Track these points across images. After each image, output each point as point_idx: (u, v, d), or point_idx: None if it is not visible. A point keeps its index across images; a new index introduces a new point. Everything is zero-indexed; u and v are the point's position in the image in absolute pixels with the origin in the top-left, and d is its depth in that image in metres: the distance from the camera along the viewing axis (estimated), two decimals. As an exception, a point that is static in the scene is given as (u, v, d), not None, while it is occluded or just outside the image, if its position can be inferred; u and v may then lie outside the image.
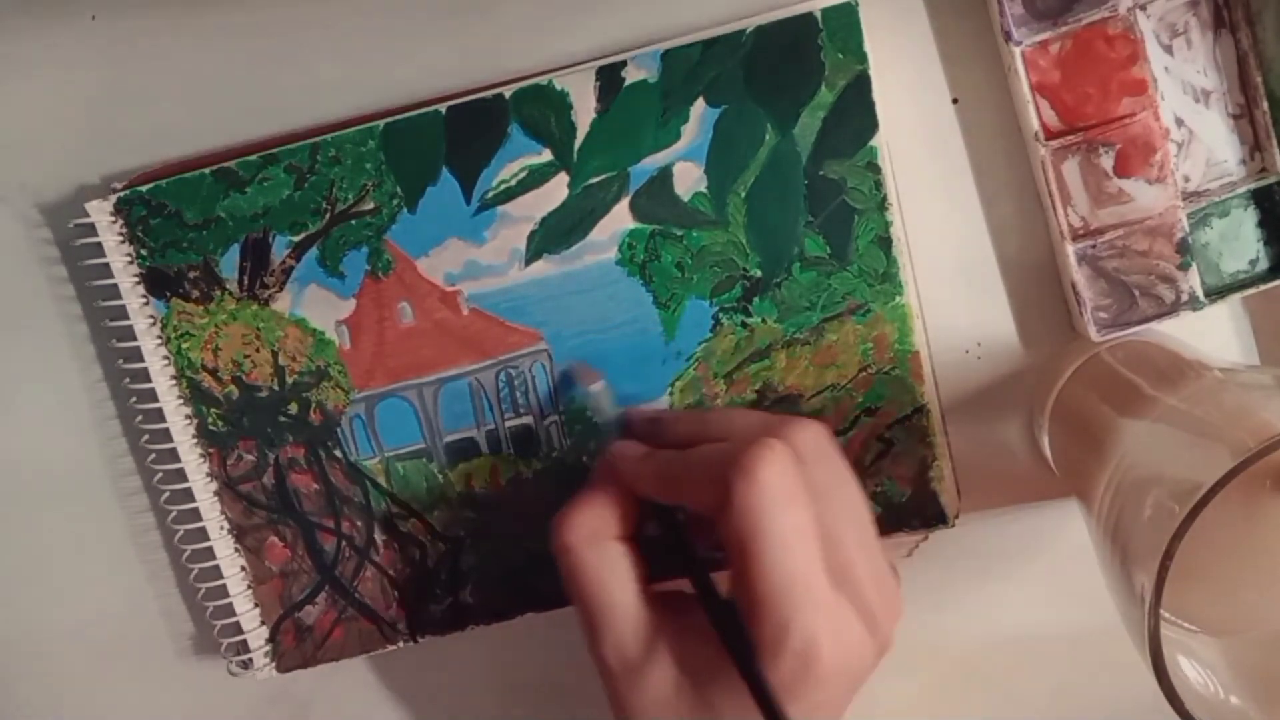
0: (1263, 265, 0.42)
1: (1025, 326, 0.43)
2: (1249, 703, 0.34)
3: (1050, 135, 0.40)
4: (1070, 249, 0.41)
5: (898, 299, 0.42)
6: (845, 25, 0.40)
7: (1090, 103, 0.40)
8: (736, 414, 0.39)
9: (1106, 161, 0.40)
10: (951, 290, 0.43)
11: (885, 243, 0.41)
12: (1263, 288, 0.41)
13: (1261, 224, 0.41)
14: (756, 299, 0.42)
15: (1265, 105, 0.40)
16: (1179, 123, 0.41)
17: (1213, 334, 0.43)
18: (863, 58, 0.40)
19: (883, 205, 0.41)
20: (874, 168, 0.41)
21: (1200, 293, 0.41)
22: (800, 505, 0.33)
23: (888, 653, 0.35)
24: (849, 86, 0.40)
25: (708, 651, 0.34)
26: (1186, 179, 0.41)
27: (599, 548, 0.36)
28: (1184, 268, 0.41)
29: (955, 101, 0.42)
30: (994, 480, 0.45)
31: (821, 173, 0.41)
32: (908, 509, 0.43)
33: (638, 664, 0.35)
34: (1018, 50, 0.39)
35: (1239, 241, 0.41)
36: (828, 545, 0.34)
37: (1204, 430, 0.33)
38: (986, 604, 0.46)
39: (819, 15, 0.40)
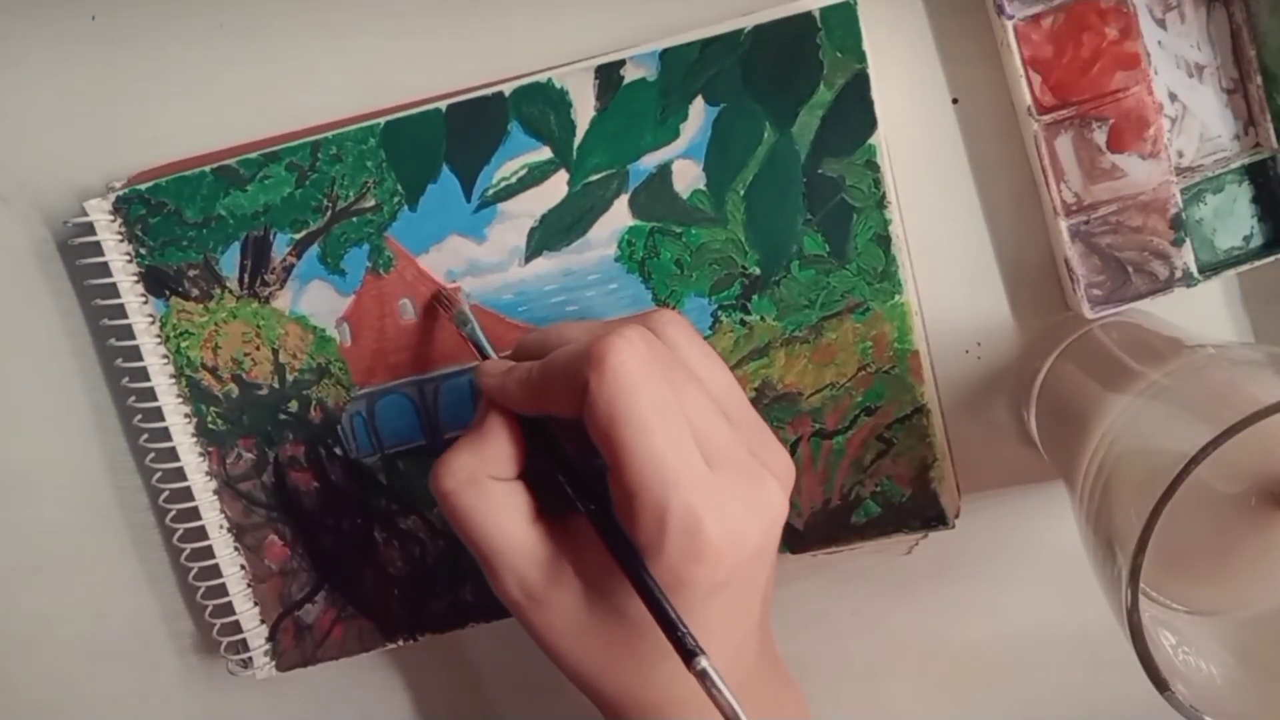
0: (1257, 241, 0.42)
1: (1026, 325, 0.44)
2: (1235, 679, 0.34)
3: (1043, 110, 0.40)
4: (1064, 225, 0.41)
5: (897, 297, 0.42)
6: (844, 24, 0.40)
7: (1083, 77, 0.40)
8: (578, 322, 0.39)
9: (1099, 136, 0.40)
10: (951, 289, 0.43)
11: (884, 241, 0.41)
12: (1257, 264, 0.41)
13: (1256, 200, 0.41)
14: (755, 297, 0.42)
15: (1259, 80, 0.40)
16: (1172, 97, 0.41)
17: (1207, 310, 0.43)
18: (861, 56, 0.40)
19: (881, 203, 0.41)
20: (873, 166, 0.41)
21: (1194, 269, 0.41)
22: (658, 387, 0.32)
23: (781, 518, 0.35)
24: (848, 85, 0.40)
25: (604, 560, 0.34)
26: (1180, 154, 0.41)
27: (478, 488, 0.35)
28: (1178, 244, 0.41)
29: (955, 102, 0.42)
30: (995, 479, 0.45)
31: (820, 171, 0.41)
32: (907, 509, 0.43)
33: (542, 593, 0.35)
34: (1010, 24, 0.39)
35: (1233, 217, 0.42)
36: (699, 424, 0.33)
37: (1189, 404, 0.33)
38: (986, 603, 0.46)
39: (818, 14, 0.40)
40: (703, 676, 0.31)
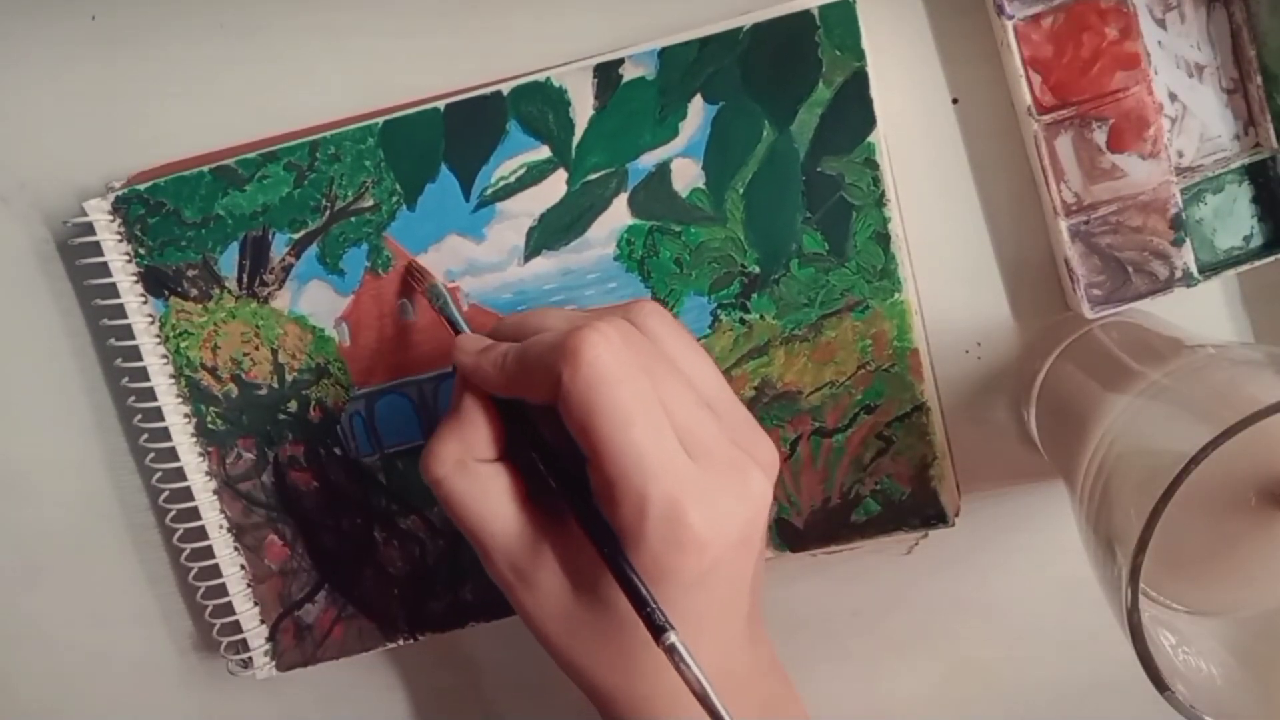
0: (1257, 241, 0.42)
1: (1026, 325, 0.43)
2: (1235, 679, 0.34)
3: (1043, 110, 0.40)
4: (1064, 225, 0.41)
5: (896, 295, 0.42)
6: (843, 22, 0.40)
7: (1083, 77, 0.40)
8: (559, 309, 0.39)
9: (1099, 136, 0.40)
10: (951, 288, 0.43)
11: (883, 239, 0.41)
12: (1257, 264, 0.41)
13: (1256, 200, 0.41)
14: (755, 295, 0.42)
15: (1259, 80, 0.40)
16: (1172, 97, 0.41)
17: (1207, 311, 0.43)
18: (860, 54, 0.40)
19: (881, 201, 0.41)
20: (872, 164, 0.41)
21: (1194, 269, 0.41)
22: (634, 379, 0.32)
23: (770, 508, 0.35)
24: (847, 83, 0.40)
25: (589, 548, 0.34)
26: (1180, 154, 0.41)
27: (467, 473, 0.35)
28: (1178, 244, 0.41)
29: (955, 101, 0.42)
30: (995, 479, 0.45)
31: (819, 169, 0.41)
32: (907, 508, 0.43)
33: (531, 574, 0.35)
34: (1010, 24, 0.39)
35: (1233, 217, 0.41)
36: (680, 416, 0.33)
37: (1189, 404, 0.33)
38: (986, 603, 0.46)
39: (816, 12, 0.40)
40: (671, 651, 0.31)
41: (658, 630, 0.32)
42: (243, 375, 0.43)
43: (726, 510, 0.33)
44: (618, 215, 0.42)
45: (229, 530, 0.44)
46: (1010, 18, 0.39)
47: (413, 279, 0.41)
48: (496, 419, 0.36)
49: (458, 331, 0.39)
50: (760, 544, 0.35)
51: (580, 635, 0.35)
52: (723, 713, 0.31)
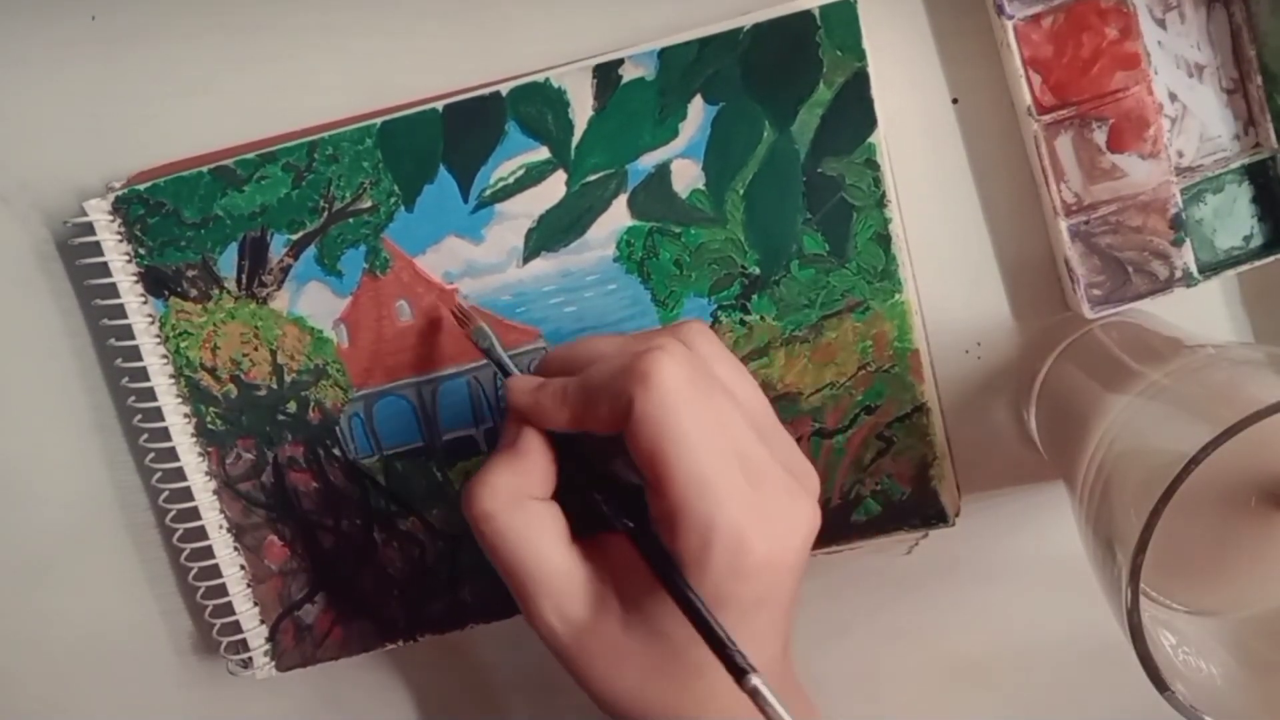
0: (1257, 241, 0.42)
1: (1026, 325, 0.43)
2: (1235, 679, 0.34)
3: (1043, 110, 0.40)
4: (1063, 225, 0.41)
5: (897, 296, 0.42)
6: (844, 22, 0.40)
7: (1083, 77, 0.40)
8: (606, 336, 0.38)
9: (1099, 136, 0.40)
10: (951, 288, 0.43)
11: (884, 240, 0.41)
12: (1257, 264, 0.41)
13: (1256, 200, 0.41)
14: (755, 296, 0.42)
15: (1259, 80, 0.40)
16: (1172, 97, 0.41)
17: (1207, 311, 0.43)
18: (861, 55, 0.40)
19: (881, 202, 0.41)
20: (872, 165, 0.41)
21: (1194, 269, 0.41)
22: (704, 403, 0.32)
23: (816, 532, 0.35)
24: (847, 84, 0.40)
25: (640, 580, 0.34)
26: (1180, 154, 0.41)
27: (522, 509, 0.34)
28: (1178, 244, 0.41)
29: (955, 102, 0.42)
30: (995, 479, 0.45)
31: (820, 170, 0.41)
32: (907, 507, 0.43)
33: (581, 618, 0.35)
34: (1010, 24, 0.39)
35: (1233, 217, 0.41)
36: (737, 441, 0.33)
37: (1189, 404, 0.33)
38: (986, 603, 0.46)
39: (817, 12, 0.40)
40: (755, 695, 0.31)
41: (739, 672, 0.31)
42: (242, 376, 0.43)
43: (784, 537, 0.33)
44: (617, 216, 0.42)
45: (229, 530, 0.44)
46: (1010, 18, 0.39)
47: (458, 321, 0.41)
48: (554, 458, 0.36)
49: (506, 374, 0.39)
50: (804, 569, 0.35)
51: (629, 669, 0.35)
52: None
